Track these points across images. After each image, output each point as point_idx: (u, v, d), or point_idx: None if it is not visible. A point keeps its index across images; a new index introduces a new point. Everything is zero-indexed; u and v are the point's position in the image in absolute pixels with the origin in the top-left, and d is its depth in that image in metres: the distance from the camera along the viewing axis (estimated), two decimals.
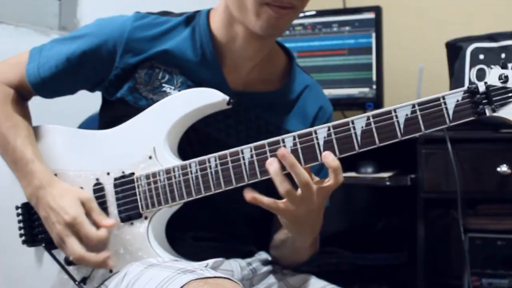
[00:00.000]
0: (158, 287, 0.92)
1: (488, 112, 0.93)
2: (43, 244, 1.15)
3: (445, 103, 0.94)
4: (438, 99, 0.95)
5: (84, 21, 1.84)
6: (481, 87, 0.94)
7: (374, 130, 0.97)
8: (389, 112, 0.97)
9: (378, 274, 2.00)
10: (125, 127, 1.16)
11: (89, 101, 1.34)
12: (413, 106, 0.95)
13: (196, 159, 1.08)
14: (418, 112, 0.95)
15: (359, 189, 2.23)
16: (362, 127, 0.97)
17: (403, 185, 1.68)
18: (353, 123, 0.98)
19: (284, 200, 0.99)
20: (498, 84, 0.93)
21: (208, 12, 1.20)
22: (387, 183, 1.68)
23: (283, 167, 0.98)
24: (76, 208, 1.08)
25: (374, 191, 2.19)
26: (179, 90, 1.16)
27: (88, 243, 1.08)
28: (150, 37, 1.17)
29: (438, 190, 1.64)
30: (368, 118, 0.97)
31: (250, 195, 1.00)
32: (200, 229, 1.20)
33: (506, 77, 0.92)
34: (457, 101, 0.94)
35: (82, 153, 1.17)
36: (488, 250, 1.66)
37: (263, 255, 1.28)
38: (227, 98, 1.11)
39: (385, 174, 1.72)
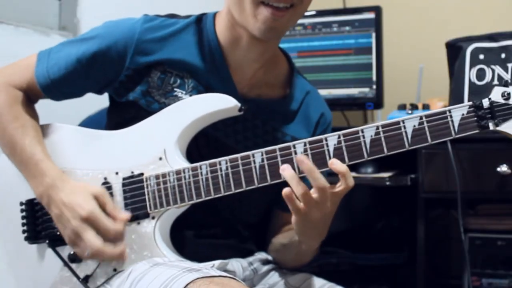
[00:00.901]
0: (163, 285, 0.92)
1: (491, 126, 0.98)
2: (47, 241, 1.15)
3: (451, 116, 0.98)
4: (444, 112, 0.99)
5: (84, 21, 1.84)
6: (485, 103, 0.98)
7: (383, 139, 1.00)
8: (397, 123, 1.00)
9: (378, 274, 2.00)
10: (136, 129, 1.17)
11: (88, 102, 1.35)
12: (421, 118, 0.99)
13: (207, 162, 1.09)
14: (425, 124, 0.99)
15: (359, 189, 2.23)
16: (371, 136, 1.01)
17: (403, 185, 1.68)
18: (362, 132, 1.01)
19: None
20: (501, 100, 0.98)
21: (214, 15, 1.21)
22: (387, 183, 1.68)
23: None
24: (91, 202, 1.09)
25: (374, 191, 2.19)
26: (190, 95, 1.17)
27: (105, 237, 1.08)
28: (160, 38, 1.18)
29: (438, 190, 1.64)
30: (377, 128, 1.01)
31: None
32: (202, 227, 1.20)
33: (509, 94, 0.97)
34: (463, 115, 0.98)
35: (91, 152, 1.17)
36: (488, 250, 1.66)
37: (263, 254, 1.28)
38: (239, 104, 1.12)
39: (385, 174, 1.72)
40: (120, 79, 1.18)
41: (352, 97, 2.03)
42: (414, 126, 0.99)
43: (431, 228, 1.74)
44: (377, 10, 2.00)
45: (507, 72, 1.61)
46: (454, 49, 1.72)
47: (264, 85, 1.22)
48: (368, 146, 1.01)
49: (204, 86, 1.18)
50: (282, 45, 1.28)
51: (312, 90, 1.31)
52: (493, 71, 1.63)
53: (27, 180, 1.16)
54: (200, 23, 1.21)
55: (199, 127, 1.16)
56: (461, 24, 2.15)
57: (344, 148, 1.01)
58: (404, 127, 1.00)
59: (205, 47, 1.18)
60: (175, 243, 1.15)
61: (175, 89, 1.18)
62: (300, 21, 2.07)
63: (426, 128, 0.99)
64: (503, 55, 1.63)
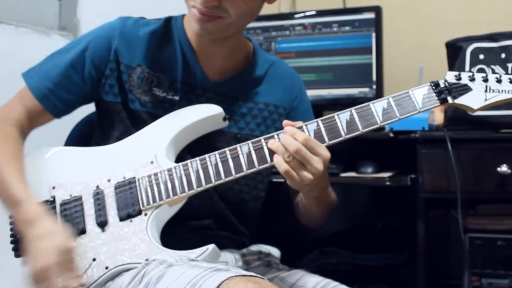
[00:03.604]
0: (191, 283, 0.91)
1: (450, 100, 1.12)
2: None
3: (413, 95, 1.12)
4: (407, 92, 1.13)
5: (84, 21, 1.84)
6: (441, 82, 1.13)
7: (357, 119, 1.11)
8: (367, 105, 1.12)
9: (378, 274, 2.00)
10: (127, 141, 1.22)
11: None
12: (388, 99, 1.12)
13: (197, 158, 1.14)
14: (392, 104, 1.12)
15: (359, 189, 2.23)
16: (347, 119, 1.11)
17: (403, 185, 1.68)
18: (338, 116, 1.12)
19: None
20: (455, 81, 1.14)
21: (183, 16, 1.29)
22: (387, 183, 1.68)
23: None
24: (49, 257, 1.02)
25: (374, 191, 2.19)
26: (167, 93, 1.24)
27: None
28: (137, 36, 1.25)
29: (438, 190, 1.64)
30: (351, 111, 1.12)
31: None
32: (195, 219, 1.23)
33: (459, 75, 1.13)
34: (424, 94, 1.12)
35: (84, 167, 1.21)
36: (488, 250, 1.65)
37: (256, 247, 1.32)
38: (223, 112, 1.21)
39: (385, 174, 1.72)
40: (106, 73, 1.24)
41: (352, 97, 2.03)
42: (383, 107, 1.12)
43: (431, 228, 1.74)
44: (377, 10, 2.00)
45: (507, 72, 1.61)
46: (454, 49, 1.72)
47: (232, 68, 1.30)
48: (344, 127, 1.11)
49: (179, 82, 1.25)
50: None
51: (277, 60, 1.39)
52: (493, 71, 1.63)
53: (9, 209, 1.12)
54: (170, 24, 1.28)
55: (191, 136, 1.22)
56: (461, 24, 2.15)
57: (323, 130, 1.11)
58: (375, 107, 1.11)
59: (176, 46, 1.26)
60: (167, 235, 1.16)
61: (153, 88, 1.24)
62: (300, 21, 2.07)
63: (394, 107, 1.11)
64: (503, 55, 1.63)
